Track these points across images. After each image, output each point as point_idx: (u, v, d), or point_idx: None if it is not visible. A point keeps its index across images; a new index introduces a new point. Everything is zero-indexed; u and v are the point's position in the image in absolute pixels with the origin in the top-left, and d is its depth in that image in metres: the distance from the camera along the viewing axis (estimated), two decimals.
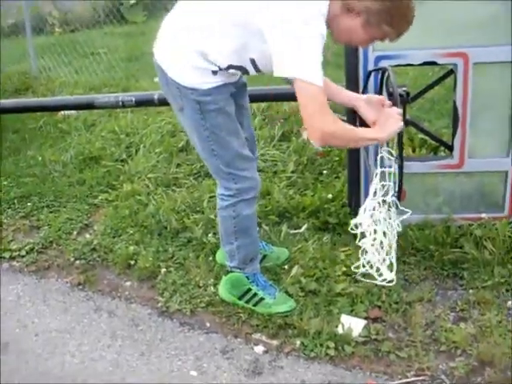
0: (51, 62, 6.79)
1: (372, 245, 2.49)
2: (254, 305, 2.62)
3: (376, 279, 2.57)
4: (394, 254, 2.52)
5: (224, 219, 2.57)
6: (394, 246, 2.52)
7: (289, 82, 2.20)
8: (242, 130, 2.46)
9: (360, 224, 2.48)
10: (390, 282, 2.55)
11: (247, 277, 2.64)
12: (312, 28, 2.00)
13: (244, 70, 2.28)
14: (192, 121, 2.35)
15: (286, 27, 1.99)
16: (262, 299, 2.62)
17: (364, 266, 2.58)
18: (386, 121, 2.26)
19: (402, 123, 2.27)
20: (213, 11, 2.17)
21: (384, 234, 2.47)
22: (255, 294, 2.63)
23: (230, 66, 2.23)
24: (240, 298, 2.65)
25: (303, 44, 1.99)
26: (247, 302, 2.63)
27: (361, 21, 2.05)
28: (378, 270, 2.55)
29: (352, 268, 2.71)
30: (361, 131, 2.30)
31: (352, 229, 2.55)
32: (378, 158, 2.44)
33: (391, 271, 2.54)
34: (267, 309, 2.59)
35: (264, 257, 2.89)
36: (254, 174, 2.49)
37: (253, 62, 2.22)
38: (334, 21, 2.09)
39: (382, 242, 2.48)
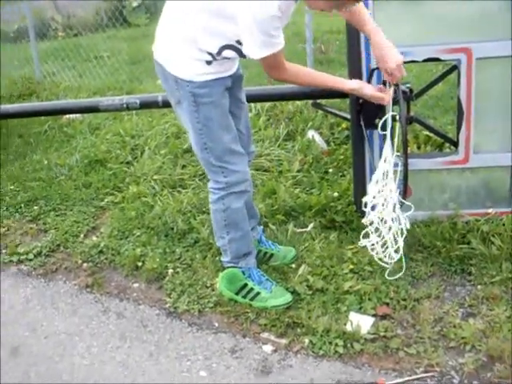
0: (55, 66, 6.81)
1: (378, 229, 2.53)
2: (251, 299, 2.65)
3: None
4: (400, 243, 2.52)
5: (215, 213, 2.64)
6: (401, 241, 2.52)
7: None
8: (234, 126, 2.52)
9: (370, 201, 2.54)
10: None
11: (243, 272, 2.68)
12: (264, 11, 2.10)
13: (237, 50, 2.33)
14: (187, 113, 2.43)
15: (244, 13, 2.13)
16: (258, 293, 2.64)
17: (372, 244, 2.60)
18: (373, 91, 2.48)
19: (382, 100, 2.47)
20: (195, 2, 2.25)
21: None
22: (251, 289, 2.66)
23: (222, 48, 2.30)
24: (237, 294, 2.68)
25: (256, 27, 2.13)
26: (244, 296, 2.67)
27: None
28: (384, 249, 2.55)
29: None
30: (327, 79, 2.50)
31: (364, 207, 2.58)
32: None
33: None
34: (264, 303, 2.62)
35: (271, 256, 2.91)
36: (244, 168, 2.56)
37: (239, 42, 2.28)
38: None
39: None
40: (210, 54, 2.31)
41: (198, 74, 2.33)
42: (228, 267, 2.72)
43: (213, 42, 2.29)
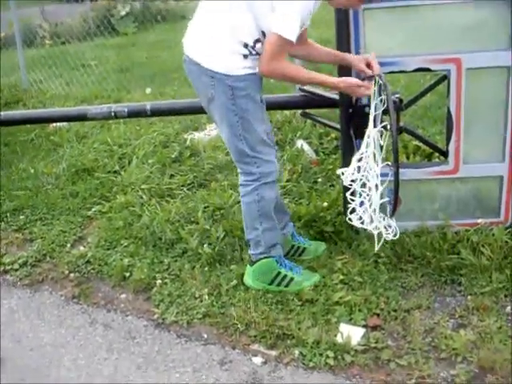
0: (42, 74, 6.78)
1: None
2: (286, 286, 2.75)
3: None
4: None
5: (248, 205, 2.71)
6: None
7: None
8: (266, 119, 2.67)
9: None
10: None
11: (276, 261, 2.76)
12: None
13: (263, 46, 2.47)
14: (223, 107, 2.54)
15: None
16: (292, 279, 2.75)
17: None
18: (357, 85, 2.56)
19: (365, 93, 2.57)
20: None
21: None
22: (285, 276, 2.76)
23: (256, 41, 2.45)
24: (271, 283, 2.76)
25: (290, 7, 2.33)
26: (278, 284, 2.76)
27: None
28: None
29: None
30: (315, 76, 2.56)
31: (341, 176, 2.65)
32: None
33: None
34: (299, 286, 2.74)
35: (303, 250, 3.00)
36: (275, 159, 2.68)
37: (264, 35, 2.44)
38: None
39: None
40: (246, 46, 2.44)
41: (237, 67, 2.46)
42: (259, 259, 2.76)
43: (250, 33, 2.43)
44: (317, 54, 2.77)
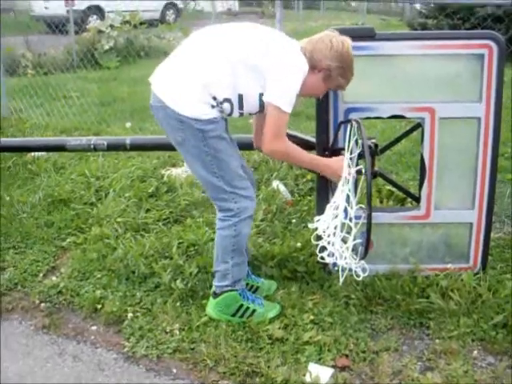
0: (23, 103, 6.79)
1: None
2: (248, 317, 2.81)
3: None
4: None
5: (224, 238, 2.74)
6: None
7: None
8: (238, 154, 2.77)
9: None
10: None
11: (239, 294, 2.81)
12: (297, 68, 2.51)
13: (231, 108, 2.58)
14: (195, 149, 2.61)
15: (279, 67, 2.49)
16: (254, 311, 2.82)
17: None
18: (337, 170, 2.70)
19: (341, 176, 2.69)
20: (217, 49, 2.54)
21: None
22: (247, 308, 2.82)
23: (225, 100, 2.55)
24: (233, 315, 2.81)
25: (287, 80, 2.50)
26: (241, 316, 2.82)
27: (322, 75, 2.60)
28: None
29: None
30: (309, 158, 2.75)
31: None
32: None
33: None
34: (262, 317, 2.80)
35: (257, 288, 3.03)
36: (252, 194, 2.76)
37: (240, 98, 2.56)
38: None
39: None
40: (215, 99, 2.53)
41: (204, 114, 2.53)
42: (223, 292, 2.81)
43: (222, 91, 2.52)
44: None
